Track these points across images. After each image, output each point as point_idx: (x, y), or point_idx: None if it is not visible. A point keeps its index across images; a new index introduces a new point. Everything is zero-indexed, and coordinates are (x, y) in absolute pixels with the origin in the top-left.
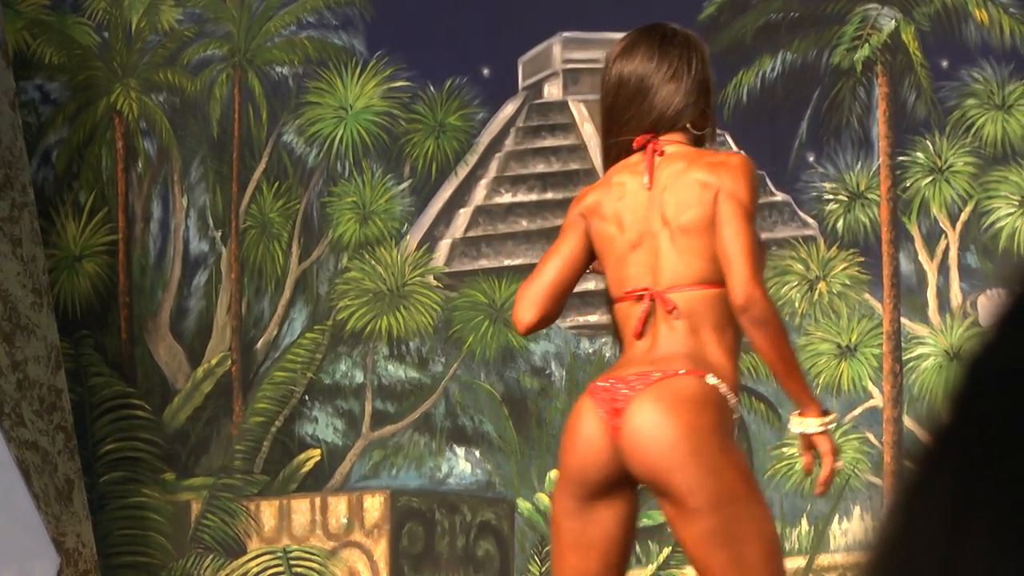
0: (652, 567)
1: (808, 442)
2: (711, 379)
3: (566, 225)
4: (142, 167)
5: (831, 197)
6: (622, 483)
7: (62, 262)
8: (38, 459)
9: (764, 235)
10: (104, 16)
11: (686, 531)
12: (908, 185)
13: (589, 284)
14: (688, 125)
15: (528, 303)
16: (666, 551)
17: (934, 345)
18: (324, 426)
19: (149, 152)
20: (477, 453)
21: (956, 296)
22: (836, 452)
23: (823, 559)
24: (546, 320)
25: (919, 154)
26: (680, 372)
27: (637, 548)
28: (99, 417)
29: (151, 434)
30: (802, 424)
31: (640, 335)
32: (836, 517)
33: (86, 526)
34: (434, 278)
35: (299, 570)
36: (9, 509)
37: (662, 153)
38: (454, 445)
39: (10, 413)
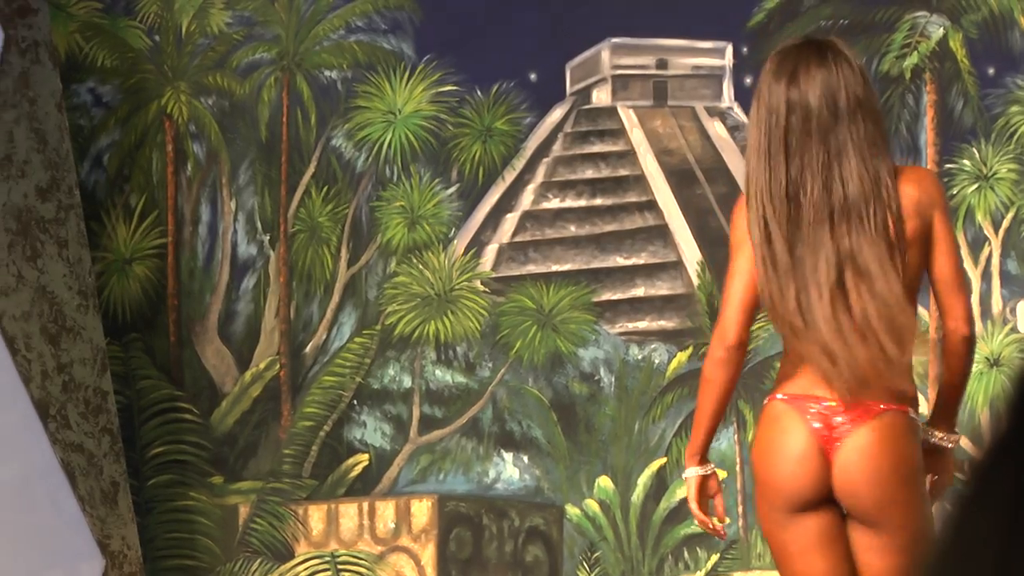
0: (701, 573)
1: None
2: (912, 414)
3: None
4: (191, 170)
5: None
6: (829, 500)
7: (112, 265)
8: (84, 461)
9: None
10: (155, 19)
11: (881, 560)
12: (955, 192)
13: (639, 290)
14: None
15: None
16: (714, 557)
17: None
18: (372, 431)
19: (198, 155)
20: (525, 458)
21: (997, 303)
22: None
23: None
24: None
25: (966, 161)
26: (894, 406)
27: (685, 554)
28: (147, 420)
29: (199, 437)
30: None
31: None
32: None
33: (131, 529)
34: (481, 283)
35: (347, 574)
36: (55, 511)
37: None
38: (502, 450)
39: (56, 415)
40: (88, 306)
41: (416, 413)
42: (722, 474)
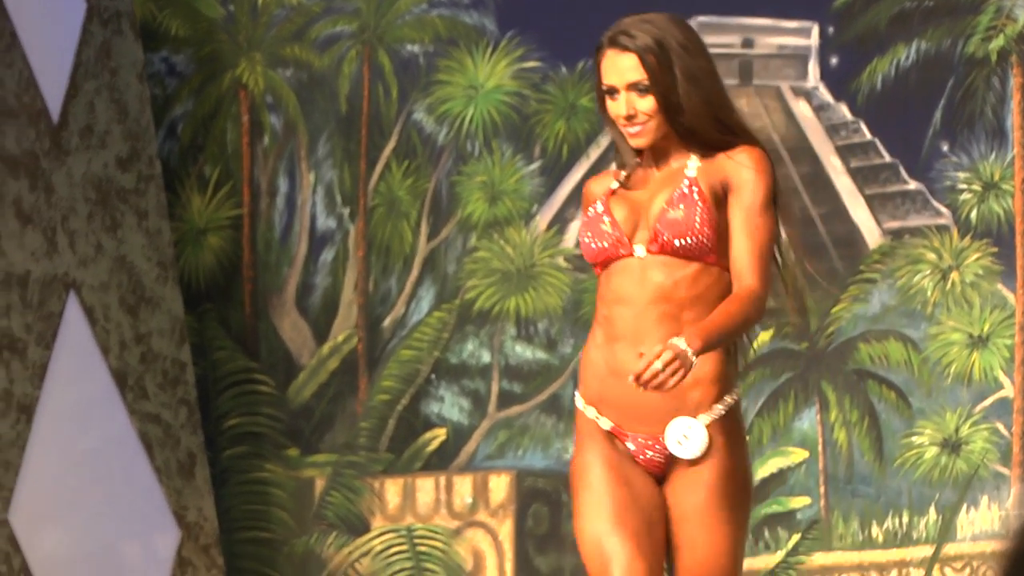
0: (781, 553)
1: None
2: None
3: None
4: (268, 142)
5: (965, 187)
6: None
7: (186, 235)
8: (160, 433)
9: (897, 224)
10: None
11: None
12: None
13: None
14: None
15: None
16: (795, 537)
17: None
18: (450, 405)
19: (275, 127)
20: None
21: None
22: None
23: (950, 548)
24: None
25: None
26: None
27: (766, 534)
28: (222, 391)
29: (275, 409)
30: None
31: None
32: (964, 507)
33: (208, 500)
34: (564, 259)
35: (423, 549)
36: (131, 482)
37: None
38: None
39: (133, 386)
40: (167, 277)
41: (495, 388)
42: (803, 454)
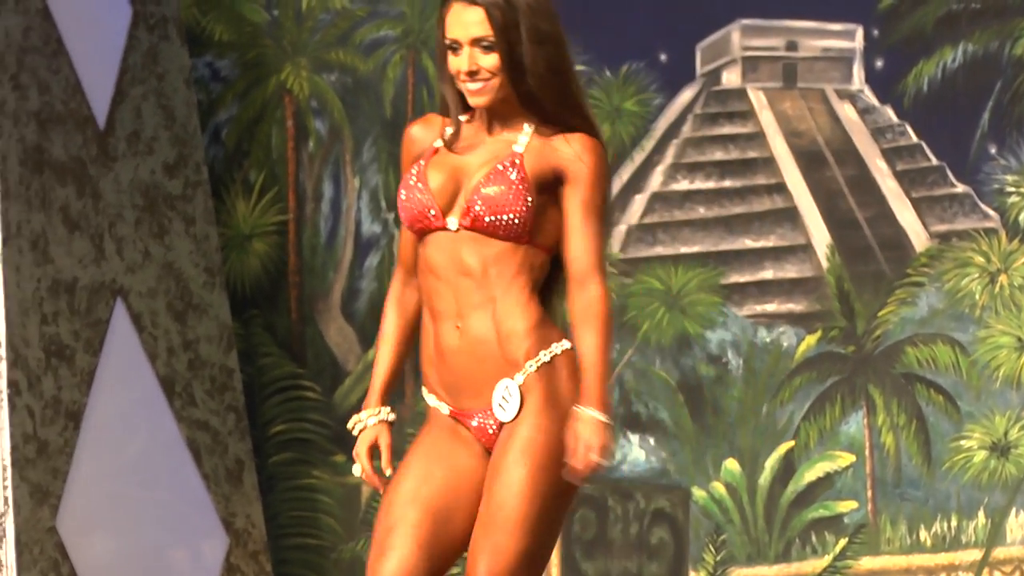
0: (828, 557)
1: None
2: None
3: None
4: (313, 146)
5: (1013, 190)
6: None
7: (232, 241)
8: (208, 439)
9: (944, 227)
10: None
11: None
12: None
13: (767, 273)
14: None
15: None
16: (842, 542)
17: None
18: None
19: (320, 132)
20: (652, 440)
21: None
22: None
23: (999, 552)
24: None
25: None
26: None
27: (813, 538)
28: (268, 397)
29: (321, 415)
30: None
31: None
32: (1013, 510)
33: (256, 507)
34: (609, 264)
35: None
36: (179, 489)
37: None
38: (628, 432)
39: (181, 393)
40: (215, 283)
41: None
42: (851, 458)
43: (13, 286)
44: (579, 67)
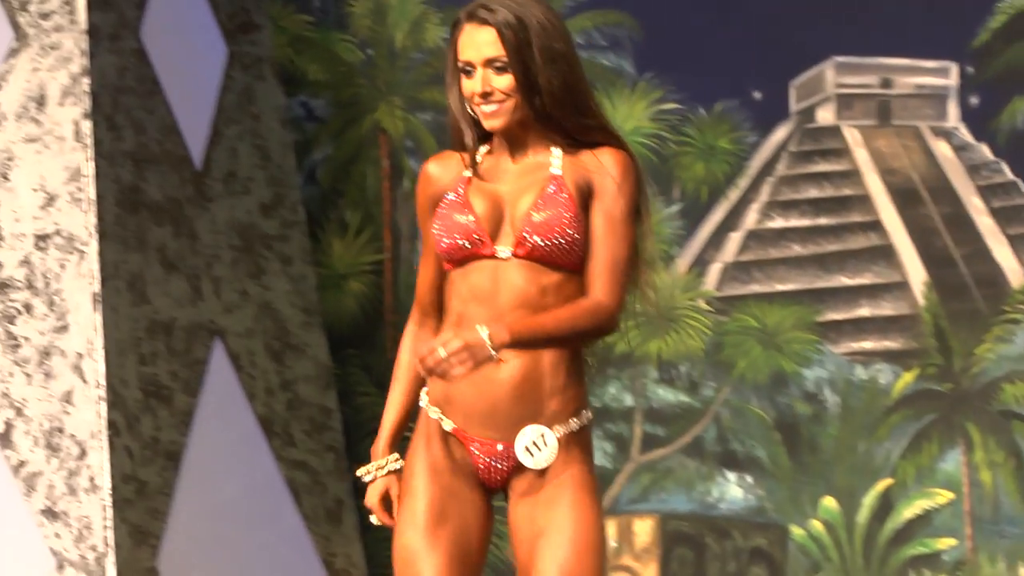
0: None
1: None
2: None
3: None
4: (408, 185)
5: None
6: None
7: (327, 280)
8: (308, 479)
9: None
10: (368, 33)
11: None
12: None
13: (863, 310)
14: None
15: None
16: None
17: None
18: (594, 449)
19: (415, 170)
20: (748, 478)
21: None
22: None
23: None
24: None
25: None
26: None
27: (911, 575)
28: (365, 437)
29: None
30: None
31: None
32: None
33: (356, 547)
34: (705, 302)
35: None
36: (278, 529)
37: None
38: (725, 469)
39: (280, 433)
40: (312, 323)
41: (638, 432)
42: (949, 495)
43: (111, 327)
44: (673, 105)
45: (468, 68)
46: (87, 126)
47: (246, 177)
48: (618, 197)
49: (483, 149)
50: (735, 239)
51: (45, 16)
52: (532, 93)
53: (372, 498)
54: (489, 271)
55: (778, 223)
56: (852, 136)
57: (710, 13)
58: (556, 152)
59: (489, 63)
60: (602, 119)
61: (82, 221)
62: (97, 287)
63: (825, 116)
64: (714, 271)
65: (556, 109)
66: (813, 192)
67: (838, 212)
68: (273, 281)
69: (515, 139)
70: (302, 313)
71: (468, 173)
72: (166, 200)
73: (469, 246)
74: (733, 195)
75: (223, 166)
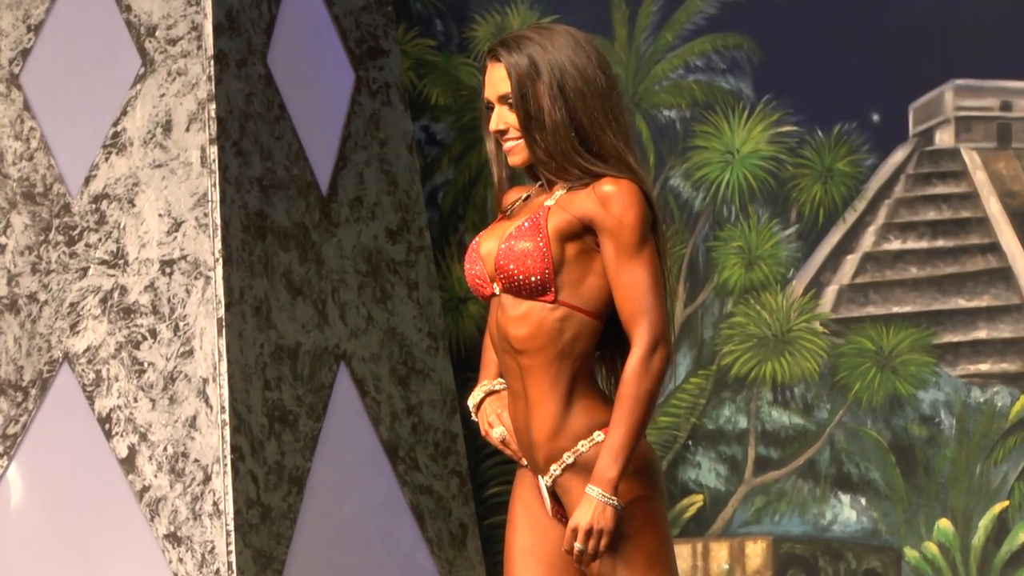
0: None
1: None
2: None
3: None
4: None
5: None
6: None
7: (448, 304)
8: (432, 504)
9: None
10: None
11: None
12: None
13: (981, 333)
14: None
15: None
16: None
17: None
18: (707, 471)
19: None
20: (863, 500)
21: None
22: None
23: None
24: None
25: None
26: None
27: None
28: (483, 460)
29: None
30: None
31: None
32: None
33: (479, 571)
34: (820, 324)
35: None
36: (403, 554)
37: None
38: (839, 492)
39: (404, 457)
40: (438, 348)
41: (751, 454)
42: None
43: (236, 351)
44: (791, 127)
45: (489, 105)
46: (213, 152)
47: (373, 203)
48: (620, 230)
49: (537, 184)
50: (851, 261)
51: (172, 42)
52: (534, 130)
53: (483, 423)
54: (494, 310)
55: (895, 245)
56: (971, 159)
57: (829, 35)
58: (564, 186)
59: (502, 99)
60: (615, 149)
61: (208, 247)
62: (222, 312)
63: (944, 138)
64: (830, 293)
65: (555, 147)
66: (931, 214)
67: (956, 234)
68: (399, 306)
69: (544, 175)
70: (427, 338)
71: (508, 211)
72: (292, 226)
73: (476, 288)
74: (850, 217)
75: (350, 191)
